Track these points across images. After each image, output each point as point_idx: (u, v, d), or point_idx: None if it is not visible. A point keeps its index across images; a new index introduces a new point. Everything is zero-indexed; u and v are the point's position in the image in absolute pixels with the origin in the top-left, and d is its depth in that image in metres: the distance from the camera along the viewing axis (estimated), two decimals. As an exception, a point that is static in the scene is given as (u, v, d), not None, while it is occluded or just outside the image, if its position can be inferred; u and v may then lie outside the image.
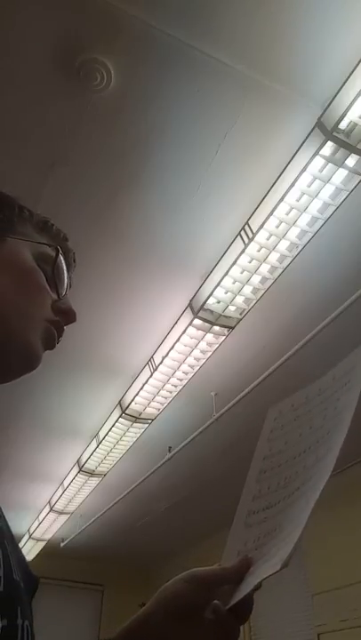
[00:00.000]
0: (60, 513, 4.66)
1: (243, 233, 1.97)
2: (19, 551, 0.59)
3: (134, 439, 3.42)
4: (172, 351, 2.59)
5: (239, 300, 2.25)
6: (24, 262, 0.61)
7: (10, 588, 0.47)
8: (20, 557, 0.58)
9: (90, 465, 3.79)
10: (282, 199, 1.80)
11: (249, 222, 1.94)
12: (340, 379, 0.73)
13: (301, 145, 1.67)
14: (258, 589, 0.60)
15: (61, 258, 0.65)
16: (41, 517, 4.88)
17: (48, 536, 5.19)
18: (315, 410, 0.73)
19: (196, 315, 2.32)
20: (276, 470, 0.72)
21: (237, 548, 0.67)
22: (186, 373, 2.79)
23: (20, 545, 5.52)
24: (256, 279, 2.14)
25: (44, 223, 0.69)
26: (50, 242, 0.67)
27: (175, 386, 2.89)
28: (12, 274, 0.59)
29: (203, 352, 2.61)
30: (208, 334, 2.45)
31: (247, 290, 2.20)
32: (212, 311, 2.32)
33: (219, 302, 2.27)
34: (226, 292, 2.21)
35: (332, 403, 0.70)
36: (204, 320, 2.35)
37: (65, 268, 0.67)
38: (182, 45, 1.50)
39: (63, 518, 4.77)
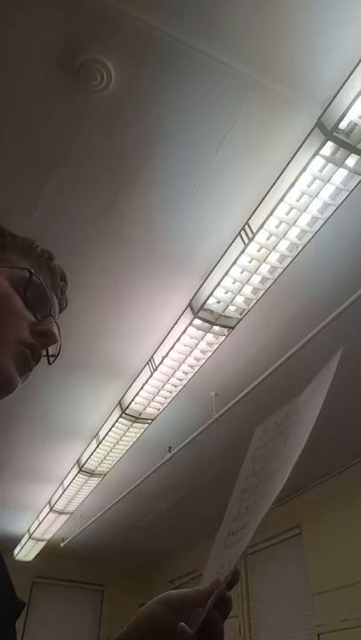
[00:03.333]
0: (60, 513, 4.66)
1: (243, 233, 1.97)
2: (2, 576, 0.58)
3: (134, 439, 3.42)
4: (172, 351, 2.59)
5: (239, 299, 2.25)
6: None
7: (14, 608, 0.49)
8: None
9: (90, 465, 3.80)
10: (282, 199, 1.80)
11: (249, 222, 1.94)
12: (303, 403, 0.73)
13: (301, 145, 1.67)
14: (224, 610, 0.60)
15: (37, 280, 0.65)
16: (41, 517, 4.88)
17: (48, 536, 5.19)
18: (289, 428, 0.73)
19: (196, 315, 2.32)
20: (254, 489, 0.71)
21: (215, 570, 0.66)
22: (186, 373, 2.79)
23: (20, 545, 5.51)
24: (256, 279, 2.14)
25: (28, 246, 0.69)
26: (32, 264, 0.67)
27: (175, 386, 2.89)
28: None
29: (203, 352, 2.61)
30: (208, 334, 2.45)
31: (247, 290, 2.20)
32: (212, 311, 2.32)
33: (219, 302, 2.27)
34: (226, 292, 2.21)
35: (288, 433, 0.70)
36: (204, 320, 2.35)
37: (44, 289, 0.66)
38: (182, 45, 1.50)
39: (63, 518, 4.77)
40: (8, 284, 0.63)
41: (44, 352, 0.67)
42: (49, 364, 0.69)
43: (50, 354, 0.69)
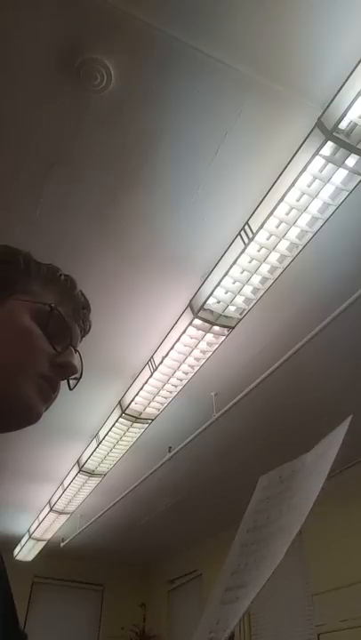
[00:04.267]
0: (60, 513, 4.66)
1: (243, 233, 1.97)
2: (7, 607, 0.58)
3: (134, 439, 3.42)
4: (172, 351, 2.59)
5: (239, 299, 2.25)
6: (18, 324, 0.64)
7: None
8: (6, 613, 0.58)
9: (90, 465, 3.80)
10: (282, 199, 1.80)
11: (249, 222, 1.94)
12: (310, 464, 0.71)
13: (301, 145, 1.67)
14: None
15: (58, 313, 0.67)
16: (41, 517, 4.88)
17: (48, 536, 5.19)
18: (295, 487, 0.71)
19: (196, 315, 2.32)
20: (256, 547, 0.69)
21: (210, 627, 0.64)
22: (186, 373, 2.79)
23: (20, 545, 5.51)
24: (256, 279, 2.14)
25: (52, 275, 0.71)
26: (54, 294, 0.69)
27: (175, 386, 2.89)
28: (6, 336, 0.63)
29: (203, 352, 2.61)
30: (208, 334, 2.45)
31: (247, 290, 2.20)
32: (212, 311, 2.32)
33: (219, 302, 2.27)
34: (226, 292, 2.21)
35: (294, 494, 0.68)
36: (204, 320, 2.35)
37: (65, 321, 0.69)
38: (182, 45, 1.50)
39: (63, 518, 4.77)
40: (29, 318, 0.65)
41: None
42: (70, 389, 0.72)
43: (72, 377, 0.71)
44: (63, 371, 0.67)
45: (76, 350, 0.72)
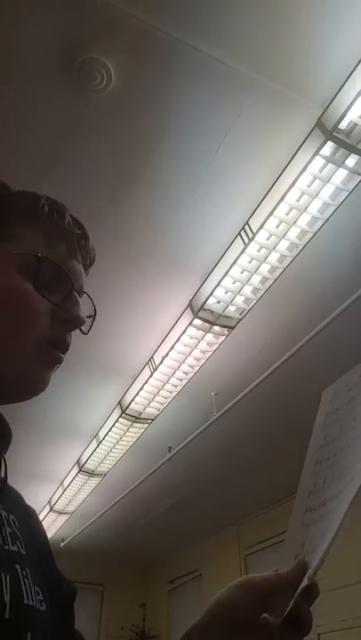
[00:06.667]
0: (60, 513, 4.67)
1: (243, 233, 1.97)
2: (47, 567, 0.58)
3: (134, 439, 3.42)
4: (172, 351, 2.59)
5: (239, 299, 2.25)
6: (2, 286, 0.55)
7: (18, 614, 0.46)
8: (50, 573, 0.58)
9: (90, 465, 3.80)
10: (282, 199, 1.80)
11: (249, 222, 1.94)
12: None
13: (301, 145, 1.67)
14: (311, 597, 0.53)
15: (48, 260, 0.57)
16: (41, 517, 4.88)
17: (48, 536, 5.19)
18: None
19: (196, 315, 2.32)
20: (332, 460, 0.64)
21: (295, 551, 0.60)
22: (186, 373, 2.79)
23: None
24: (256, 279, 2.14)
25: (33, 209, 0.60)
26: (41, 234, 0.59)
27: (175, 386, 2.89)
28: None
29: (203, 352, 2.61)
30: (208, 334, 2.46)
31: (247, 290, 2.20)
32: (212, 311, 2.32)
33: (219, 302, 2.27)
34: (226, 292, 2.21)
35: None
36: (204, 320, 2.35)
37: (58, 266, 0.58)
38: (182, 45, 1.50)
39: (63, 518, 4.77)
40: (15, 274, 0.55)
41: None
42: (84, 334, 0.63)
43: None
44: (68, 325, 0.58)
45: (80, 292, 0.61)
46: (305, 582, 0.53)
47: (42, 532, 0.63)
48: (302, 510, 0.64)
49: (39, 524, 0.62)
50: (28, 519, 0.62)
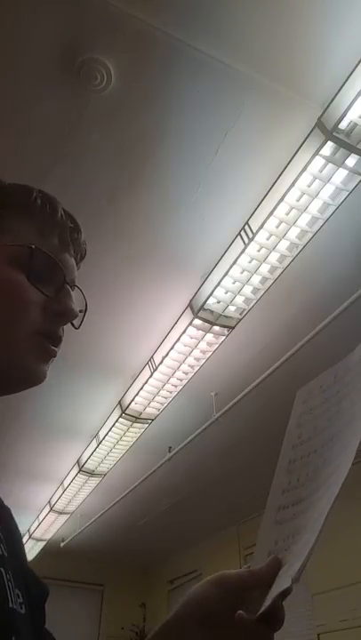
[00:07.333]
0: (60, 513, 4.66)
1: (243, 233, 1.97)
2: (23, 568, 0.58)
3: (134, 439, 3.42)
4: (172, 351, 2.59)
5: (239, 299, 2.25)
6: None
7: (3, 618, 0.46)
8: (25, 573, 0.57)
9: (90, 465, 3.80)
10: (282, 199, 1.80)
11: (249, 222, 1.94)
12: (356, 364, 0.67)
13: (301, 145, 1.67)
14: (287, 595, 0.54)
15: (41, 252, 0.58)
16: (41, 517, 4.88)
17: (48, 536, 5.19)
18: (343, 391, 0.66)
19: (196, 315, 2.32)
20: (306, 460, 0.65)
21: (268, 548, 0.61)
22: (186, 373, 2.79)
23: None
24: (256, 279, 2.14)
25: (26, 201, 0.61)
26: (34, 226, 0.60)
27: (175, 386, 2.89)
28: None
29: (203, 352, 2.61)
30: (208, 334, 2.45)
31: (247, 290, 2.20)
32: (212, 311, 2.32)
33: (219, 302, 2.27)
34: (226, 292, 2.21)
35: (341, 398, 0.64)
36: (204, 320, 2.35)
37: (51, 258, 0.59)
38: (182, 45, 1.50)
39: (63, 518, 4.77)
40: (7, 265, 0.56)
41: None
42: (76, 328, 0.63)
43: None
44: (61, 318, 0.59)
45: (72, 286, 0.61)
46: (287, 584, 0.53)
47: (18, 533, 0.62)
48: (275, 508, 0.64)
49: (16, 525, 0.62)
50: (8, 520, 0.61)
